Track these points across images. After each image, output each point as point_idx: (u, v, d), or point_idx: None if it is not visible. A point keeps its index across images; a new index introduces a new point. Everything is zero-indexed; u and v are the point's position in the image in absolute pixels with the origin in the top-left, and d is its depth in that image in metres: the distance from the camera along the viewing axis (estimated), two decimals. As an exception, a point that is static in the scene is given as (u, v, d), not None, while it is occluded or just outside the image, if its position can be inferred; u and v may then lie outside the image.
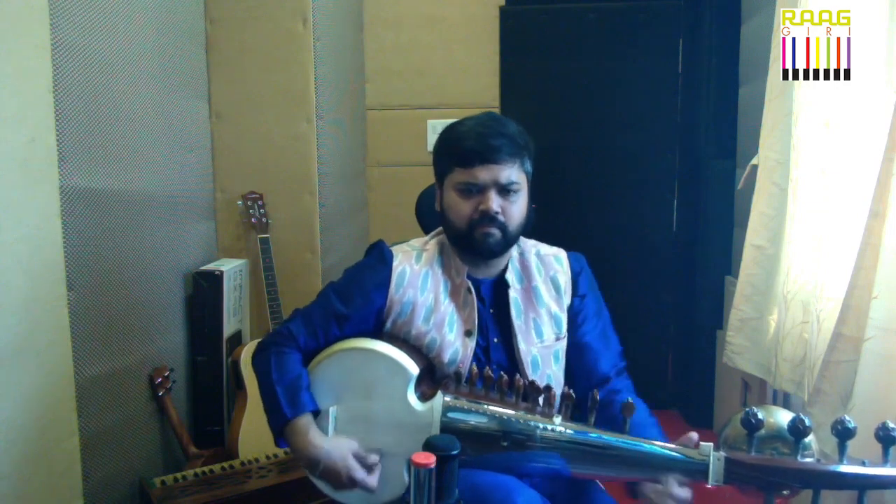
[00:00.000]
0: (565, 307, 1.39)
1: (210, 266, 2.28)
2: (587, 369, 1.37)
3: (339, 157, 2.65)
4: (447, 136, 1.34)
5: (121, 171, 1.86)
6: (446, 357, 1.31)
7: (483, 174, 1.28)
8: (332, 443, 1.23)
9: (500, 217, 1.28)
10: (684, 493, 1.13)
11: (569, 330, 1.38)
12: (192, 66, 2.31)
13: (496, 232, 1.29)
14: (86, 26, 1.69)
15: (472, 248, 1.31)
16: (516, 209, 1.31)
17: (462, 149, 1.29)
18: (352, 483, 1.22)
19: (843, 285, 1.55)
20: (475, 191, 1.29)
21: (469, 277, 1.36)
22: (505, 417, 1.20)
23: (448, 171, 1.33)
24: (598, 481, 1.37)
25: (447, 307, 1.34)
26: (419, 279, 1.35)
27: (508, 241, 1.32)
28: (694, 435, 1.16)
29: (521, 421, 1.19)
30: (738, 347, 2.17)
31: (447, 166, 1.33)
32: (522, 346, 1.33)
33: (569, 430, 1.18)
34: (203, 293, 2.23)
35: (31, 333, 1.48)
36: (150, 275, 2.02)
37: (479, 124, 1.31)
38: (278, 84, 2.41)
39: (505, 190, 1.29)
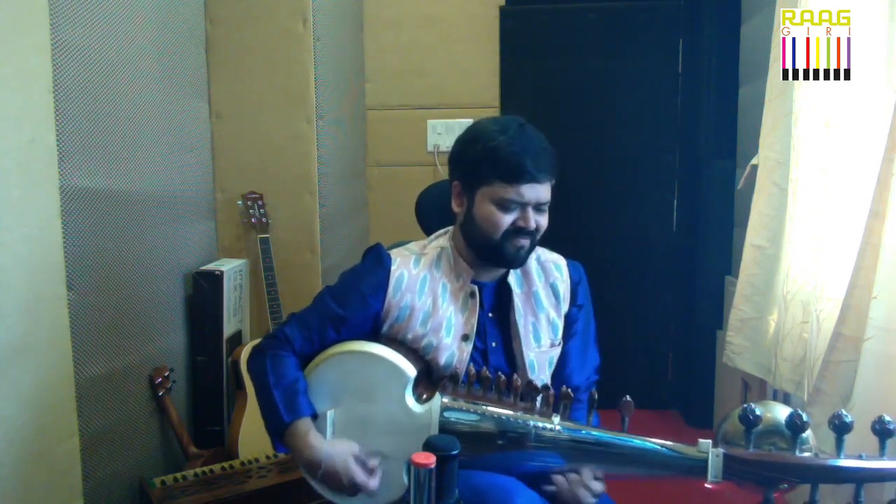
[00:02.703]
0: (563, 314, 1.39)
1: (210, 266, 2.28)
2: (562, 379, 1.38)
3: (339, 157, 2.65)
4: (487, 144, 1.29)
5: (121, 171, 1.86)
6: (442, 361, 1.31)
7: (529, 193, 1.27)
8: (333, 446, 1.23)
9: (533, 231, 1.30)
10: (598, 485, 1.16)
11: (561, 337, 1.40)
12: (192, 66, 2.31)
13: (527, 244, 1.30)
14: (86, 26, 1.69)
15: (501, 258, 1.31)
16: (545, 222, 1.32)
17: (510, 164, 1.26)
18: (352, 486, 1.21)
19: (843, 285, 1.55)
20: (515, 207, 1.29)
21: (472, 281, 1.36)
22: (503, 417, 1.20)
23: (486, 182, 1.29)
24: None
25: (446, 311, 1.34)
26: (417, 283, 1.35)
27: (532, 250, 1.34)
28: None
29: (521, 421, 1.19)
30: (738, 347, 2.17)
31: (486, 177, 1.29)
32: (523, 350, 1.34)
33: (567, 429, 1.18)
34: (203, 293, 2.23)
35: (31, 333, 1.48)
36: (150, 275, 2.02)
37: (522, 136, 1.29)
38: (278, 84, 2.41)
39: (541, 206, 1.31)
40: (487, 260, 1.34)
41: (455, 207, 1.37)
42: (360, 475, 1.21)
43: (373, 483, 1.22)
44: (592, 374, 1.43)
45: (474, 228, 1.32)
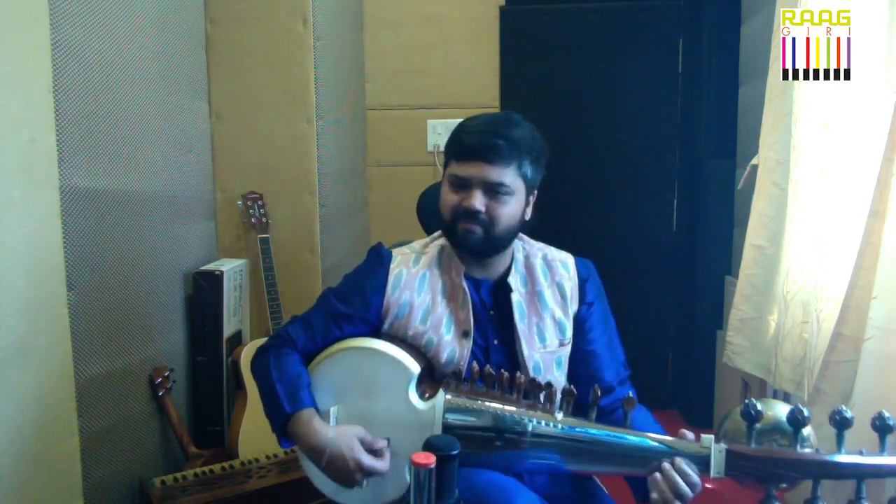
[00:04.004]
0: (571, 314, 1.37)
1: (210, 266, 2.28)
2: (591, 377, 1.35)
3: (339, 157, 2.65)
4: (456, 128, 1.34)
5: (121, 171, 1.86)
6: (443, 357, 1.31)
7: (472, 171, 1.27)
8: (337, 430, 1.22)
9: (483, 216, 1.27)
10: (696, 476, 1.11)
11: (575, 337, 1.37)
12: (192, 66, 2.31)
13: (477, 229, 1.28)
14: (86, 26, 1.69)
15: (456, 242, 1.32)
16: (504, 211, 1.28)
17: (460, 143, 1.30)
18: (359, 469, 1.19)
19: (843, 285, 1.55)
20: (463, 186, 1.29)
21: (468, 278, 1.35)
22: (508, 415, 1.19)
23: (447, 164, 1.34)
24: (598, 482, 1.37)
25: (444, 308, 1.34)
26: (416, 281, 1.35)
27: (493, 241, 1.30)
28: (688, 433, 1.16)
29: (526, 418, 1.19)
30: (738, 347, 2.17)
31: (447, 158, 1.34)
32: (525, 350, 1.33)
33: (569, 427, 1.18)
34: (203, 293, 2.23)
35: (31, 333, 1.48)
36: (150, 275, 2.02)
37: (487, 122, 1.31)
38: (278, 84, 2.41)
39: (493, 191, 1.27)
40: (453, 245, 1.34)
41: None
42: (366, 457, 1.19)
43: (382, 464, 1.20)
44: (622, 369, 1.41)
45: (438, 212, 1.35)
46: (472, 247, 1.30)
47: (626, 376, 1.41)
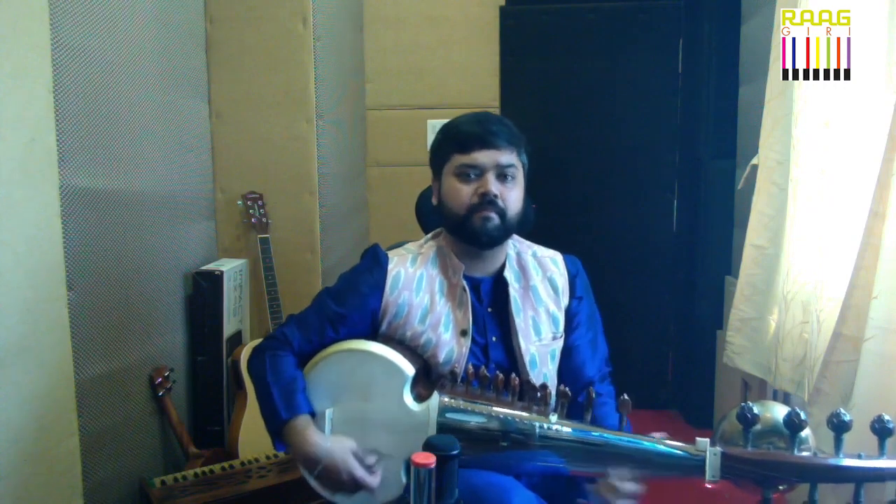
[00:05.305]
0: (563, 308, 1.40)
1: (210, 266, 2.28)
2: (574, 372, 1.38)
3: (339, 157, 2.65)
4: (445, 128, 1.38)
5: (121, 171, 1.86)
6: (441, 357, 1.32)
7: (482, 157, 1.30)
8: (332, 441, 1.23)
9: (499, 201, 1.30)
10: (632, 486, 1.13)
11: (563, 330, 1.40)
12: (192, 66, 2.31)
13: (495, 217, 1.30)
14: (86, 26, 1.69)
15: (471, 234, 1.31)
16: (514, 196, 1.32)
17: (461, 134, 1.32)
18: (352, 481, 1.21)
19: (843, 285, 1.55)
20: (474, 175, 1.31)
21: (466, 277, 1.36)
22: (502, 416, 1.20)
23: (446, 160, 1.34)
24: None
25: (443, 307, 1.34)
26: (414, 281, 1.36)
27: (507, 228, 1.32)
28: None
29: (519, 420, 1.19)
30: (738, 347, 2.17)
31: (445, 155, 1.35)
32: (522, 343, 1.34)
33: (568, 429, 1.18)
34: (203, 293, 2.23)
35: (31, 333, 1.48)
36: (150, 275, 2.02)
37: (477, 115, 1.36)
38: (278, 84, 2.41)
39: (503, 174, 1.31)
40: (464, 241, 1.35)
41: (434, 201, 1.41)
42: (359, 470, 1.21)
43: (373, 480, 1.22)
44: (604, 364, 1.43)
45: (445, 210, 1.35)
46: (489, 234, 1.31)
47: (608, 372, 1.43)
